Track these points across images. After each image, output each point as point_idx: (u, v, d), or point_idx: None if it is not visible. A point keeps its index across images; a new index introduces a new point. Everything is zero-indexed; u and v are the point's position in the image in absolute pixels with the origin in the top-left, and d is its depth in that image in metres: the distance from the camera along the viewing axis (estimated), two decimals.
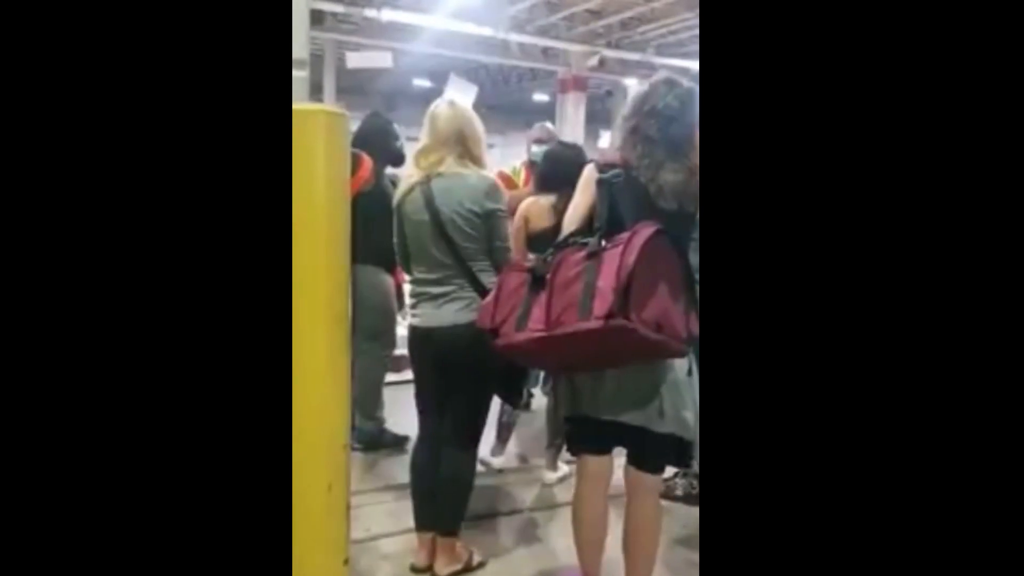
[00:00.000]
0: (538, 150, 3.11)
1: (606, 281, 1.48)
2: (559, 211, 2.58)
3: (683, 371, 1.75)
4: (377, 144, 3.02)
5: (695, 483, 2.78)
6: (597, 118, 13.34)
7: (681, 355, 1.70)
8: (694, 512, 2.70)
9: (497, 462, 3.01)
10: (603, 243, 1.56)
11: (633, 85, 10.69)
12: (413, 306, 2.13)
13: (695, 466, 2.70)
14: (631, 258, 1.47)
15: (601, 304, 1.46)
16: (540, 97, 16.51)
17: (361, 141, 3.01)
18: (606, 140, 12.90)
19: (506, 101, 16.19)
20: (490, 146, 2.13)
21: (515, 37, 9.38)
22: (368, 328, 2.91)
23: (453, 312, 2.02)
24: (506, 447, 3.04)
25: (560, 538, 2.34)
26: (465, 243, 2.01)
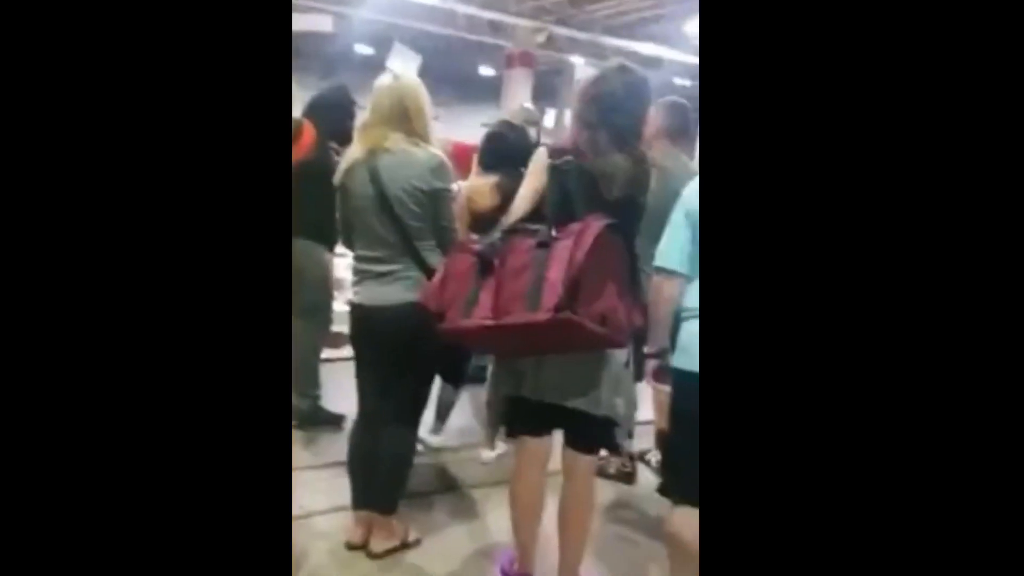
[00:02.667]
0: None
1: (555, 274, 1.49)
2: (501, 191, 2.59)
3: (622, 358, 1.79)
4: (328, 116, 2.94)
5: (627, 462, 2.86)
6: (543, 95, 13.31)
7: (622, 347, 1.74)
8: (626, 490, 2.78)
9: (436, 441, 3.01)
10: (553, 232, 1.57)
11: (580, 64, 10.71)
12: (355, 283, 2.09)
13: (628, 446, 2.78)
14: (581, 253, 1.48)
15: (550, 296, 1.47)
16: (486, 71, 16.35)
17: (312, 110, 2.93)
18: (551, 118, 12.88)
19: (451, 73, 15.95)
20: (433, 119, 2.10)
21: (462, 8, 9.25)
22: (303, 304, 2.86)
23: (398, 291, 1.99)
24: (445, 426, 3.05)
25: (496, 516, 2.36)
26: (411, 221, 1.98)
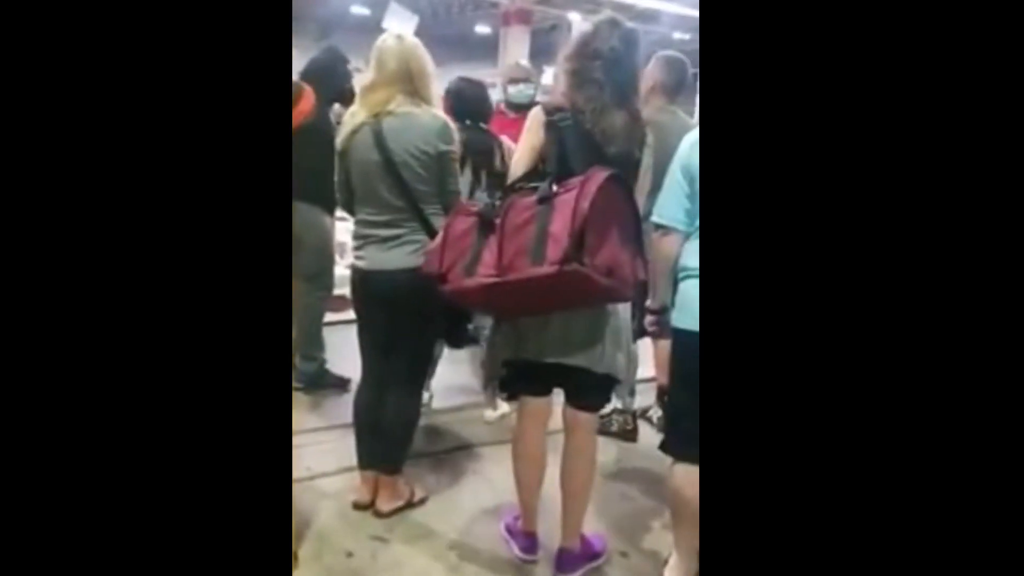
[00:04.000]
0: (516, 92, 3.02)
1: (559, 226, 1.47)
2: (463, 147, 2.59)
3: (625, 314, 1.79)
4: (325, 79, 2.91)
5: (630, 420, 2.89)
6: (540, 53, 13.11)
7: (628, 300, 1.74)
8: (628, 447, 2.82)
9: (424, 397, 3.03)
10: (554, 188, 1.55)
11: (577, 20, 10.52)
12: (358, 248, 2.09)
13: (631, 404, 2.81)
14: (585, 203, 1.46)
15: (555, 249, 1.46)
16: (482, 29, 16.09)
17: (308, 74, 2.90)
18: (550, 76, 12.72)
19: (447, 32, 15.70)
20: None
21: None
22: (305, 268, 2.86)
23: (403, 255, 1.99)
24: (431, 381, 3.06)
25: (500, 474, 2.39)
26: (417, 185, 1.97)
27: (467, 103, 2.70)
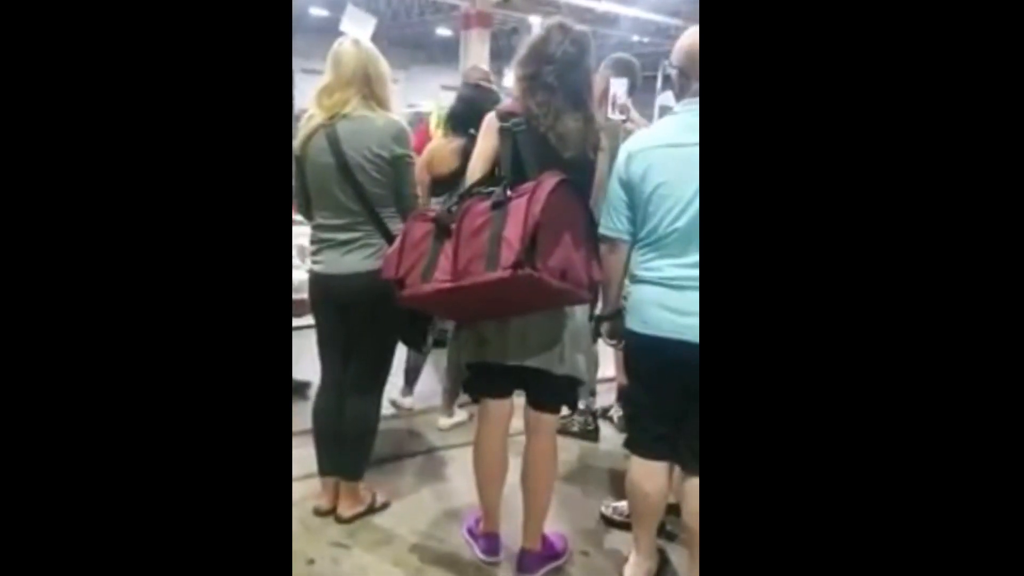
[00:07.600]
0: None
1: (512, 231, 1.49)
2: (463, 155, 2.58)
3: (583, 317, 1.82)
4: None
5: (590, 420, 2.91)
6: (501, 55, 13.15)
7: (584, 302, 1.76)
8: (590, 447, 2.85)
9: (407, 402, 3.06)
10: (508, 193, 1.57)
11: (538, 23, 10.57)
12: (315, 252, 2.08)
13: (592, 403, 2.84)
14: (537, 208, 1.48)
15: (508, 254, 1.47)
16: (443, 32, 16.06)
17: None
18: (510, 79, 12.74)
19: (408, 35, 15.66)
20: (393, 81, 2.08)
21: None
22: None
23: (360, 259, 1.99)
24: (414, 389, 3.08)
25: (462, 478, 2.40)
26: (373, 188, 1.96)
27: (474, 111, 2.63)
